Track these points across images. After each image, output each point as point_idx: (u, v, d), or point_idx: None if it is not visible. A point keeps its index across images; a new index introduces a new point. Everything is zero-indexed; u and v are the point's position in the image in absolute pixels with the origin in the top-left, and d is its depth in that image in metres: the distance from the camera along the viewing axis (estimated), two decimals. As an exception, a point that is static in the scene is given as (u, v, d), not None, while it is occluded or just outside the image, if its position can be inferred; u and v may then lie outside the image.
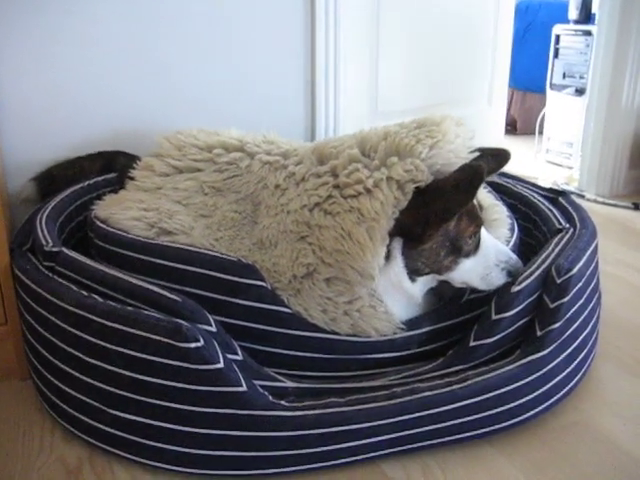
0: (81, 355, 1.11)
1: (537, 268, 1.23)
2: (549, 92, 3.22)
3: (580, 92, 3.02)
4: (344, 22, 2.04)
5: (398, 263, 1.18)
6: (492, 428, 1.15)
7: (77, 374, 1.13)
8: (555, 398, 1.22)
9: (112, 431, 1.10)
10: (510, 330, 1.19)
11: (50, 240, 1.28)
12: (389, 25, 2.36)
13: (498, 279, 1.23)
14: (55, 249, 1.25)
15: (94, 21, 1.69)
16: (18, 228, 1.46)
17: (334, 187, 1.15)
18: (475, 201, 1.20)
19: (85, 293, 1.13)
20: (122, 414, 1.08)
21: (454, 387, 1.10)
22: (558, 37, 3.17)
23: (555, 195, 1.73)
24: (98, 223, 1.35)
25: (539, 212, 1.55)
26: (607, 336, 1.58)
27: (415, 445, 1.11)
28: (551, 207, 1.57)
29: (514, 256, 1.26)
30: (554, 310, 1.19)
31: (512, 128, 3.88)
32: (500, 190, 1.70)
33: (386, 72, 2.42)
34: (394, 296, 1.19)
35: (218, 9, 1.85)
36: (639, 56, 2.64)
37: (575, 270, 1.22)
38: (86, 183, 1.61)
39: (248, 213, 1.33)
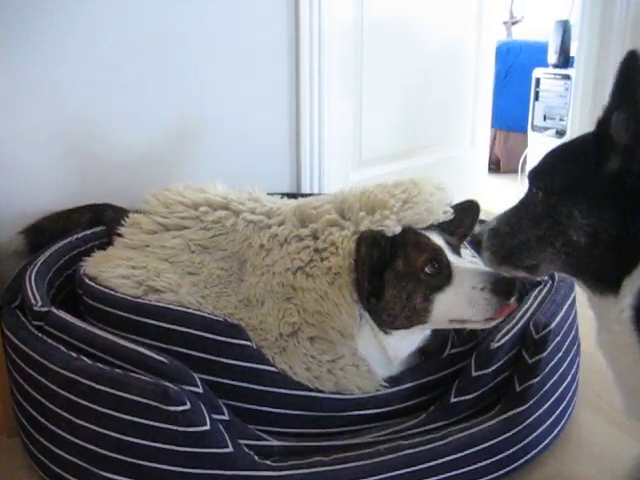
0: (69, 416, 1.13)
1: (516, 324, 1.27)
2: (531, 133, 3.30)
3: (561, 134, 3.10)
4: (328, 74, 2.11)
5: (369, 321, 1.21)
6: (474, 482, 1.17)
7: (65, 434, 1.14)
8: (537, 450, 1.25)
9: (100, 491, 1.11)
10: (490, 386, 1.22)
11: (39, 299, 1.30)
12: (372, 75, 2.43)
13: (485, 300, 1.13)
14: (44, 309, 1.27)
15: (85, 69, 1.73)
16: (7, 284, 1.48)
17: (314, 251, 1.19)
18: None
19: (74, 355, 1.15)
20: (110, 475, 1.10)
21: (436, 444, 1.12)
22: (538, 80, 3.26)
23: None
24: (87, 281, 1.37)
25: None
26: (588, 382, 1.61)
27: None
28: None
29: (492, 271, 1.12)
30: (533, 365, 1.22)
31: (496, 167, 3.96)
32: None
33: (370, 120, 2.48)
34: (374, 355, 1.21)
35: (206, 65, 1.91)
36: (616, 100, 2.72)
37: (553, 325, 1.25)
38: (74, 237, 1.63)
39: (234, 270, 1.36)
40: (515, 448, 1.20)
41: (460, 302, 1.15)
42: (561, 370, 1.30)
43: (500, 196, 3.50)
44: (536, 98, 3.28)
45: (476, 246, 1.01)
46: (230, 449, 1.06)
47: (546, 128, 3.22)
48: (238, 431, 1.12)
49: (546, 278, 1.50)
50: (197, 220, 1.44)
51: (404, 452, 1.11)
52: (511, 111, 3.74)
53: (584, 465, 1.30)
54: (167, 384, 1.06)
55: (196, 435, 1.04)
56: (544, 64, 3.29)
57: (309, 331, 1.18)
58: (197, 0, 1.85)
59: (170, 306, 1.25)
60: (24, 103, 1.67)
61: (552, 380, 1.26)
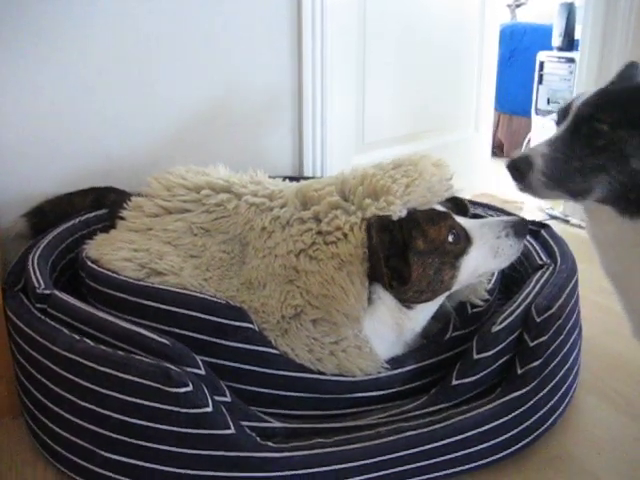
0: (72, 397, 1.13)
1: (518, 307, 1.27)
2: (534, 117, 3.28)
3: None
4: (330, 58, 2.10)
5: (385, 301, 1.21)
6: (475, 464, 1.18)
7: (68, 416, 1.15)
8: (537, 433, 1.26)
9: (102, 472, 1.12)
10: (491, 369, 1.22)
11: (42, 282, 1.30)
12: (375, 56, 2.41)
13: (510, 247, 1.21)
14: (47, 292, 1.28)
15: (86, 51, 1.73)
16: (10, 267, 1.48)
17: (317, 233, 1.18)
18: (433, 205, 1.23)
19: (77, 337, 1.16)
20: (112, 455, 1.11)
21: (437, 426, 1.13)
22: (542, 64, 3.24)
23: (538, 228, 1.77)
24: (89, 264, 1.37)
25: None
26: (590, 366, 1.62)
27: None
28: (533, 241, 1.61)
29: (505, 217, 1.25)
30: (534, 348, 1.22)
31: (499, 151, 3.94)
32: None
33: (372, 103, 2.46)
34: (382, 335, 1.22)
35: (206, 45, 1.90)
36: (620, 84, 2.71)
37: (554, 309, 1.26)
38: (77, 220, 1.64)
39: (236, 253, 1.36)
40: (515, 431, 1.21)
41: (486, 256, 1.21)
42: (562, 353, 1.30)
43: (504, 179, 3.49)
44: (540, 81, 3.25)
45: (517, 170, 1.01)
46: (232, 430, 1.07)
47: (550, 112, 3.20)
48: (240, 413, 1.13)
49: (548, 261, 1.50)
50: (199, 203, 1.44)
51: (405, 434, 1.11)
52: (515, 95, 3.72)
53: (584, 447, 1.31)
54: (169, 366, 1.07)
55: (198, 416, 1.05)
56: (548, 47, 3.26)
57: (312, 313, 1.18)
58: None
59: (172, 289, 1.25)
60: (25, 85, 1.67)
61: (553, 363, 1.26)
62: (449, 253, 1.18)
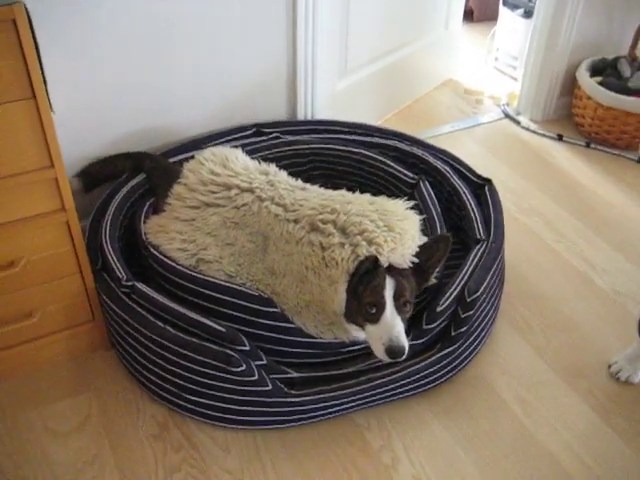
0: (162, 362, 1.74)
1: (455, 289, 1.86)
2: (502, 8, 3.53)
3: (528, 15, 3.36)
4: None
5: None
6: (422, 389, 1.86)
7: (157, 369, 1.77)
8: (462, 365, 1.93)
9: (187, 405, 1.78)
10: (434, 333, 1.85)
11: (124, 273, 1.82)
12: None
13: (381, 354, 1.62)
14: (129, 283, 1.81)
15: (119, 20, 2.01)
16: (86, 241, 1.97)
17: (322, 259, 1.70)
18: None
19: (161, 324, 1.72)
20: (192, 397, 1.75)
21: (396, 375, 1.79)
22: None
23: (483, 182, 2.29)
24: (152, 250, 1.89)
25: (465, 217, 2.13)
26: (510, 296, 2.23)
27: (373, 405, 1.82)
28: (475, 210, 2.14)
29: (397, 338, 1.60)
30: (464, 318, 1.84)
31: (469, 16, 4.18)
32: (436, 185, 2.24)
33: (355, 30, 2.72)
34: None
35: None
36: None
37: (480, 291, 1.85)
38: (125, 190, 2.09)
39: (260, 243, 1.88)
40: (448, 368, 1.87)
41: (374, 340, 1.64)
42: (486, 317, 1.93)
43: (471, 49, 3.84)
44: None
45: None
46: (269, 387, 1.70)
47: (516, 6, 3.45)
48: (272, 369, 1.75)
49: (484, 237, 2.06)
50: (229, 200, 1.91)
51: (375, 382, 1.77)
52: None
53: (493, 369, 1.97)
54: (230, 352, 1.66)
55: (249, 382, 1.68)
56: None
57: (315, 307, 1.76)
58: None
59: (221, 282, 1.78)
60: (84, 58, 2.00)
61: (478, 322, 1.89)
62: (362, 310, 1.64)
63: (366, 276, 1.64)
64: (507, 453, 1.75)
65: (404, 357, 1.62)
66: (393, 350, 1.58)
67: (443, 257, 1.72)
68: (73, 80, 2.01)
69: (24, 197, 1.61)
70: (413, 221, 1.79)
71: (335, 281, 1.67)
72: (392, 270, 1.66)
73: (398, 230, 1.70)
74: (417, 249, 1.71)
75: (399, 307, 1.64)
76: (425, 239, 1.79)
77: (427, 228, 1.97)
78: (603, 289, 2.29)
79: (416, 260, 1.69)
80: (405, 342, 1.61)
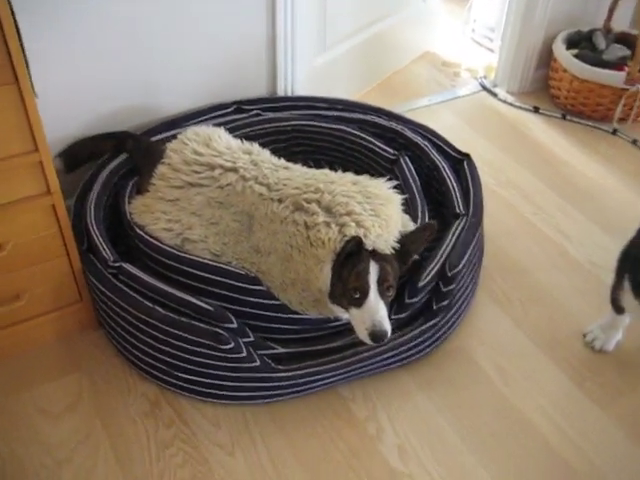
0: (152, 342, 1.77)
1: (436, 264, 1.90)
2: (479, -21, 3.54)
3: (504, -14, 3.36)
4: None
5: None
6: (406, 361, 1.92)
7: (147, 348, 1.80)
8: (444, 337, 1.99)
9: (177, 382, 1.82)
10: (416, 307, 1.90)
11: (110, 254, 1.84)
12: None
13: (366, 337, 1.65)
14: (117, 264, 1.82)
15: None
16: (71, 221, 1.98)
17: (307, 238, 1.73)
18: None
19: (150, 304, 1.75)
20: (182, 374, 1.79)
21: (381, 349, 1.84)
22: None
23: (461, 157, 2.33)
24: (137, 230, 1.90)
25: (445, 193, 2.17)
26: (489, 268, 2.29)
27: (357, 377, 1.88)
28: (455, 185, 2.18)
29: (380, 322, 1.62)
30: (445, 292, 1.89)
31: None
32: (415, 160, 2.27)
33: (333, 1, 2.72)
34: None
35: None
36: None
37: (460, 266, 1.90)
38: (108, 171, 2.10)
39: (245, 222, 1.90)
40: (430, 341, 1.93)
41: (358, 323, 1.67)
42: (466, 290, 1.99)
43: (448, 22, 3.84)
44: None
45: None
46: (257, 363, 1.75)
47: (493, -22, 3.46)
48: (259, 345, 1.80)
49: (464, 211, 2.10)
50: (213, 180, 1.92)
51: (360, 356, 1.83)
52: None
53: (472, 340, 2.05)
54: (218, 330, 1.69)
55: (237, 359, 1.72)
56: None
57: (301, 285, 1.79)
58: None
59: (207, 261, 1.81)
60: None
61: (458, 298, 1.95)
62: (347, 294, 1.66)
63: (350, 259, 1.67)
64: (487, 421, 1.83)
65: (387, 340, 1.67)
66: (376, 334, 1.62)
67: (426, 243, 1.77)
68: (51, 60, 2.00)
69: (9, 181, 1.61)
70: (396, 204, 1.82)
71: (321, 260, 1.70)
72: (376, 255, 1.69)
73: (384, 217, 1.73)
74: (399, 236, 1.75)
75: (382, 292, 1.67)
76: (408, 219, 1.83)
77: (408, 207, 2.01)
78: (579, 260, 2.36)
79: (398, 246, 1.73)
80: (388, 326, 1.65)
